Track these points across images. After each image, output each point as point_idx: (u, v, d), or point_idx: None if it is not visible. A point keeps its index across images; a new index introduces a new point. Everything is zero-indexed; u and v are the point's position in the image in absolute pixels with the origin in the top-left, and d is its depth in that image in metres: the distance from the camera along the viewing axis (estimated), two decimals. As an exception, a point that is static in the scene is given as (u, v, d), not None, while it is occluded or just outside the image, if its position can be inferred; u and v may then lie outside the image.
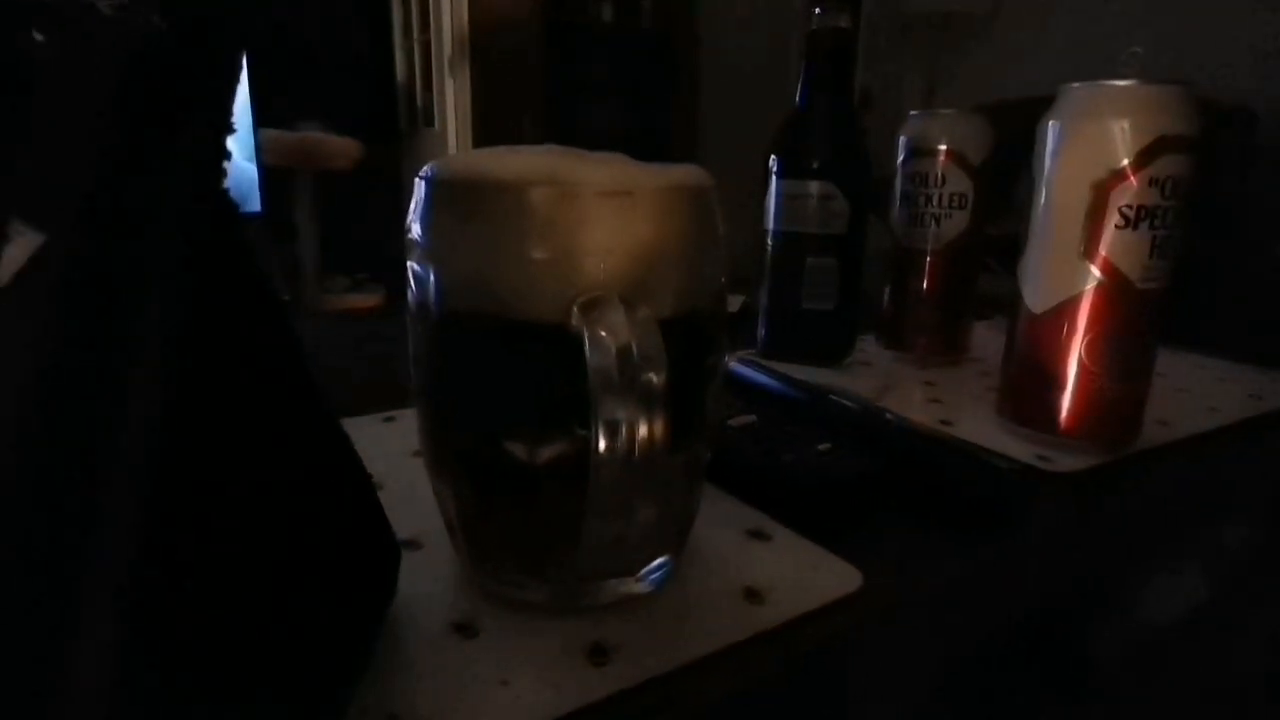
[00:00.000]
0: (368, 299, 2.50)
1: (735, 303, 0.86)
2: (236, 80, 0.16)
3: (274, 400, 0.21)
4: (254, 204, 0.99)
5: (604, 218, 0.25)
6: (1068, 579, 0.42)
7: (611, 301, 0.23)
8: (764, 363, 0.55)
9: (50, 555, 0.16)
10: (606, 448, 0.22)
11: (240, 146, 0.95)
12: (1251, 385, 0.63)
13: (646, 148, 0.29)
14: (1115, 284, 0.44)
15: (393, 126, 3.04)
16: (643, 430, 0.22)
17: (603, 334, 0.23)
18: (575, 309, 0.24)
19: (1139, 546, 0.45)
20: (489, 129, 2.69)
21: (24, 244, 0.14)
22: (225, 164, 0.17)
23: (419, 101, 2.99)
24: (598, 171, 0.26)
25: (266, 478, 0.20)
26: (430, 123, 2.90)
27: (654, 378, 0.22)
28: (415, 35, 2.92)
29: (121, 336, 0.15)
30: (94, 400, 0.15)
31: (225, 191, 0.17)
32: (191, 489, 0.18)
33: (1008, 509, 0.40)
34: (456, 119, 2.73)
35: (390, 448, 0.43)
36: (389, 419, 0.50)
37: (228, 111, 0.16)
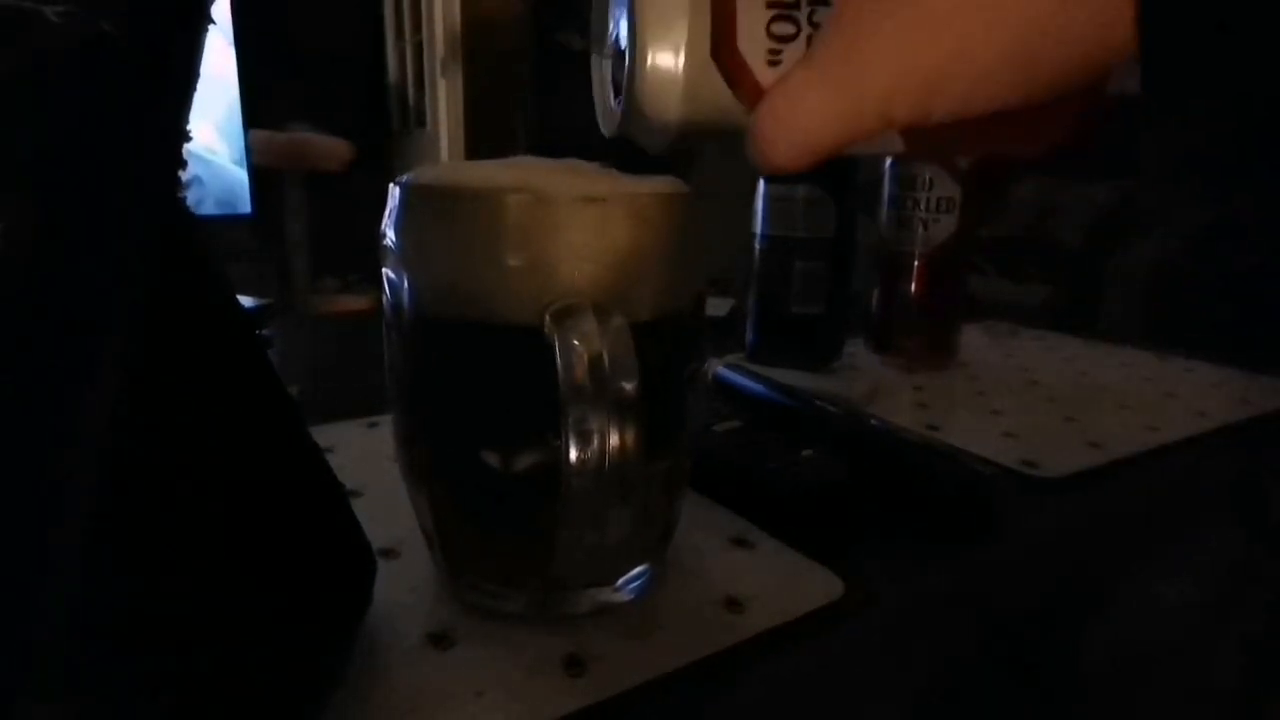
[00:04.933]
0: (358, 301, 2.49)
1: (724, 306, 0.86)
2: (192, 88, 0.16)
3: (235, 409, 0.21)
4: (244, 205, 0.98)
5: (578, 224, 0.25)
6: (1052, 585, 0.42)
7: (584, 310, 0.23)
8: (751, 367, 0.55)
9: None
10: (578, 457, 0.22)
11: (230, 147, 0.94)
12: (1239, 389, 0.63)
13: (639, 149, 0.28)
14: None
15: (384, 127, 3.03)
16: (614, 439, 0.22)
17: (574, 342, 0.22)
18: (548, 317, 0.23)
19: (1124, 552, 0.45)
20: (481, 129, 2.69)
21: None
22: (181, 171, 0.16)
23: (411, 102, 2.98)
24: (571, 181, 0.25)
25: (229, 488, 0.20)
26: (422, 123, 2.90)
27: (626, 386, 0.22)
28: (407, 36, 2.92)
29: (71, 347, 0.15)
30: (44, 406, 0.15)
31: (181, 199, 0.17)
32: (150, 500, 0.18)
33: (991, 514, 0.39)
34: (448, 120, 2.73)
35: (372, 454, 0.43)
36: (373, 424, 0.49)
37: (183, 118, 0.16)
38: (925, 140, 0.25)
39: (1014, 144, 0.26)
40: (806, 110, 0.21)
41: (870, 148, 0.24)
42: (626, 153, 0.28)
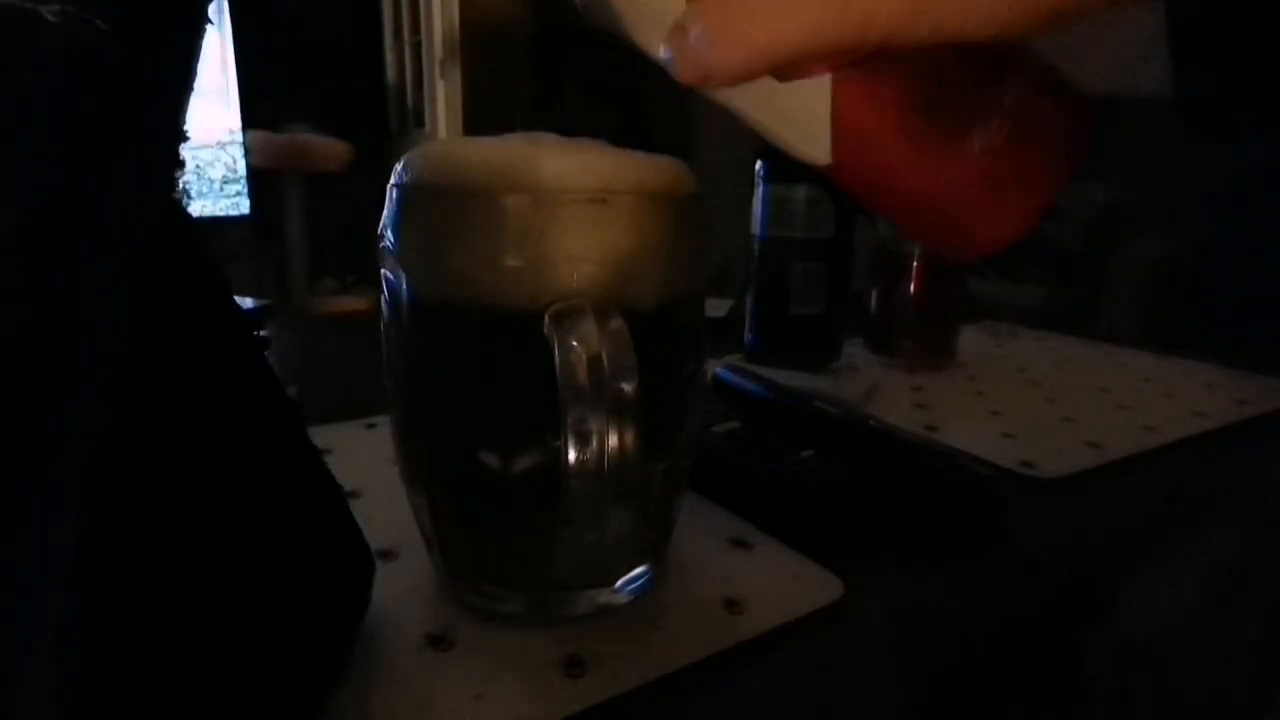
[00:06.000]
0: (357, 302, 2.49)
1: (723, 307, 0.86)
2: (189, 87, 0.16)
3: (233, 410, 0.20)
4: (242, 206, 0.98)
5: (578, 225, 0.25)
6: (1052, 585, 0.41)
7: (583, 311, 0.23)
8: (750, 368, 0.55)
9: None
10: (577, 458, 0.22)
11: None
12: (1238, 390, 0.63)
13: (637, 151, 0.28)
14: None
15: (383, 128, 3.03)
16: (613, 440, 0.22)
17: (574, 344, 0.22)
18: (547, 318, 0.23)
19: (1123, 552, 0.45)
20: (479, 130, 2.67)
21: None
22: (178, 171, 0.16)
23: (409, 103, 2.98)
24: (572, 166, 0.25)
25: (228, 489, 0.20)
26: (421, 124, 2.90)
27: (625, 387, 0.22)
28: (406, 37, 2.91)
29: (67, 346, 0.15)
30: (42, 407, 0.15)
31: (177, 200, 0.17)
32: (148, 501, 0.17)
33: (990, 515, 0.39)
34: (447, 121, 2.72)
35: (371, 455, 0.43)
36: (371, 425, 0.49)
37: (180, 118, 0.16)
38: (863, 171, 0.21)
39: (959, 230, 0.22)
40: (762, 6, 0.17)
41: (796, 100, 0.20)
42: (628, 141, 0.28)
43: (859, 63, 0.18)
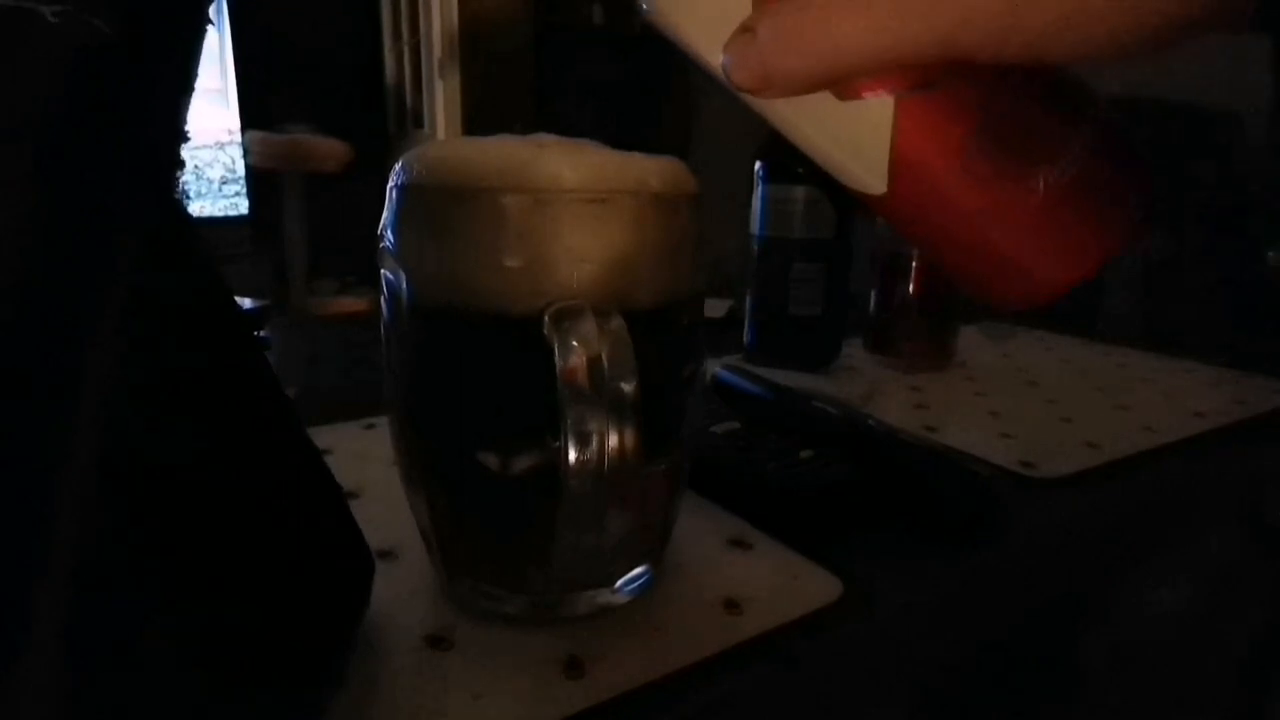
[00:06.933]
0: (356, 302, 2.49)
1: (722, 308, 0.86)
2: (189, 88, 0.16)
3: (232, 411, 0.20)
4: (241, 206, 0.98)
5: (577, 225, 0.25)
6: (1052, 586, 0.42)
7: (583, 311, 0.23)
8: (749, 369, 0.55)
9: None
10: (577, 459, 0.22)
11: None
12: (1237, 390, 0.63)
13: (637, 151, 0.28)
14: None
15: (382, 128, 3.03)
16: (613, 441, 0.22)
17: (574, 344, 0.22)
18: (547, 318, 0.23)
19: (1122, 552, 0.45)
20: (479, 131, 2.67)
21: None
22: (178, 172, 0.16)
23: (409, 103, 2.98)
24: (572, 166, 0.25)
25: (227, 490, 0.20)
26: (420, 124, 2.90)
27: (625, 388, 0.22)
28: (405, 37, 2.91)
29: (66, 347, 0.15)
30: (39, 408, 0.15)
31: (178, 200, 0.17)
32: (146, 503, 0.17)
33: (990, 516, 0.39)
34: (446, 121, 2.72)
35: (370, 456, 0.43)
36: (370, 426, 0.49)
37: (180, 118, 0.16)
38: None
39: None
40: (841, 10, 0.16)
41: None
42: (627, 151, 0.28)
43: (931, 82, 0.18)
